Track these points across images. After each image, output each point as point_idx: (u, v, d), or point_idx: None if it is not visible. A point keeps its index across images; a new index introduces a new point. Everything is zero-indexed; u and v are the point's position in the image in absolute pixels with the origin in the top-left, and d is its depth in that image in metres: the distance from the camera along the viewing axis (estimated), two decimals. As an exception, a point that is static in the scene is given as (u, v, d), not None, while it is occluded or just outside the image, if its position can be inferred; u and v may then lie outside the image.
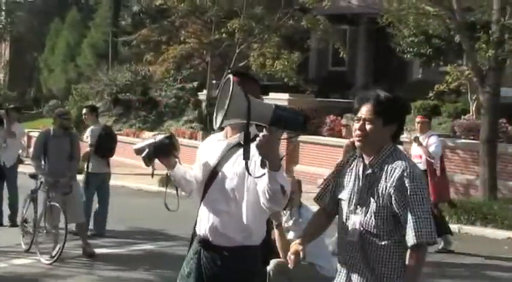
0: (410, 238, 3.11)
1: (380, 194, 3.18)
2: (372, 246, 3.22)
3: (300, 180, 5.92)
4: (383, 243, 3.20)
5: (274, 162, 2.96)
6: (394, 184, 3.15)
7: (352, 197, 3.29)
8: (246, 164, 2.98)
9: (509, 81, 14.08)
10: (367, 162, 3.27)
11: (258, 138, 2.91)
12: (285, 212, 5.57)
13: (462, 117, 14.87)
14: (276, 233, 5.18)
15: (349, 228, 3.26)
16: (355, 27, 21.80)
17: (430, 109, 16.14)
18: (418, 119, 9.57)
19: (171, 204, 3.57)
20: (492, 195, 12.00)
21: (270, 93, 16.92)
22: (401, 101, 3.41)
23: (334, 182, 3.41)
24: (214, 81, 19.34)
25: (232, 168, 3.39)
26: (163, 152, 3.52)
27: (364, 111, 3.23)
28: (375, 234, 3.21)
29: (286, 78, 17.72)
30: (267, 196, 3.06)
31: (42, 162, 8.33)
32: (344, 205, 3.33)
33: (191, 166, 3.72)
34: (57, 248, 7.84)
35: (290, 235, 5.36)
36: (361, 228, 3.22)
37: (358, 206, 3.25)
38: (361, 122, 3.23)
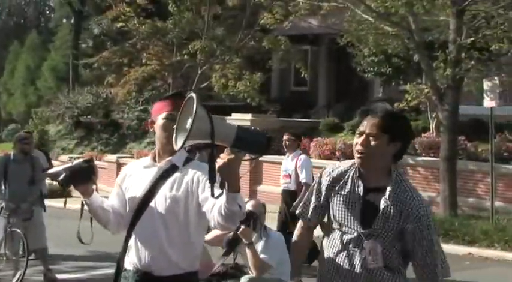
0: (438, 272, 3.04)
1: (389, 222, 3.01)
2: (379, 277, 3.06)
3: (265, 204, 5.89)
4: (390, 274, 3.07)
5: (234, 184, 2.89)
6: (408, 217, 2.99)
7: (352, 221, 3.08)
8: (212, 186, 2.86)
9: (467, 99, 14.35)
10: (367, 183, 3.06)
11: (219, 160, 2.84)
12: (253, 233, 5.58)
13: (422, 135, 15.08)
14: (248, 252, 5.17)
15: (357, 255, 3.06)
16: (316, 48, 22.03)
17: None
18: (285, 137, 9.22)
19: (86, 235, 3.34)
20: (453, 211, 12.15)
21: (232, 114, 16.96)
22: (407, 119, 3.26)
23: (319, 196, 3.20)
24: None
25: (170, 193, 3.23)
26: (81, 176, 3.26)
27: (369, 125, 3.00)
28: (384, 266, 3.06)
29: (248, 98, 17.78)
30: (224, 215, 2.97)
31: (2, 187, 8.20)
32: (339, 227, 3.13)
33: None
34: (17, 275, 7.70)
35: (261, 256, 5.33)
36: (379, 254, 3.03)
37: (362, 231, 3.05)
38: (364, 136, 3.01)
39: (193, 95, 2.85)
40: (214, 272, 5.43)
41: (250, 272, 5.38)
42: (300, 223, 3.35)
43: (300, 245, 3.38)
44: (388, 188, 3.02)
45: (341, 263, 3.12)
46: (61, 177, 3.26)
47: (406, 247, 3.07)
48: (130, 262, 3.29)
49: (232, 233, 5.17)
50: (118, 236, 3.44)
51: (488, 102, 11.92)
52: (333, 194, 3.15)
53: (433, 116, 15.00)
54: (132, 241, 3.28)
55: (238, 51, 18.77)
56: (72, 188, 3.37)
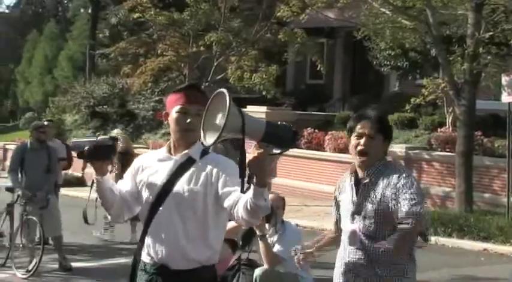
0: (402, 209, 3.26)
1: (378, 200, 3.38)
2: (374, 251, 3.37)
3: (284, 198, 5.88)
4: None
5: (263, 178, 2.90)
6: (391, 189, 3.35)
7: (349, 209, 3.49)
8: (242, 181, 2.89)
9: (484, 94, 14.25)
10: (361, 174, 3.47)
11: (248, 154, 2.88)
12: (268, 226, 5.59)
13: (439, 129, 15.01)
14: (260, 244, 5.20)
15: (349, 237, 3.46)
16: (333, 41, 21.94)
17: (407, 122, 16.28)
18: None
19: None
20: (468, 207, 12.09)
21: (247, 106, 16.96)
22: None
23: (337, 209, 3.68)
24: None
25: (187, 187, 3.21)
26: (103, 153, 3.25)
27: (367, 128, 3.46)
28: (374, 239, 3.37)
29: (264, 91, 17.74)
30: (250, 210, 2.97)
31: (19, 176, 8.26)
32: (344, 219, 3.55)
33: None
34: (33, 262, 7.77)
35: (275, 249, 5.37)
36: (361, 235, 3.40)
37: (356, 215, 3.44)
38: (365, 137, 3.45)
39: (224, 90, 2.88)
40: (229, 267, 5.45)
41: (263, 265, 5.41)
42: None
43: (326, 240, 3.80)
44: (366, 171, 3.44)
45: (343, 255, 3.51)
46: (86, 148, 3.24)
47: (391, 214, 3.34)
48: (147, 255, 3.27)
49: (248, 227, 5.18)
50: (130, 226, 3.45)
51: (506, 98, 11.84)
52: (340, 203, 3.63)
53: (450, 110, 14.91)
54: (149, 235, 3.26)
55: (255, 44, 18.73)
56: (87, 173, 3.36)
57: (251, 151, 2.88)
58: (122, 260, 8.89)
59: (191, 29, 18.45)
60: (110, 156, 3.29)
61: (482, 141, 13.81)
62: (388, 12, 13.18)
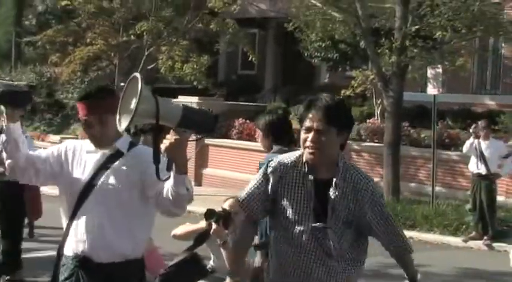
0: (406, 245, 3.27)
1: (343, 209, 3.04)
2: (335, 262, 3.08)
3: None
4: (349, 260, 3.12)
5: (181, 165, 2.87)
6: (357, 198, 3.04)
7: (304, 214, 3.05)
8: (157, 168, 2.84)
9: (411, 86, 14.58)
10: (318, 175, 3.05)
11: (165, 141, 2.82)
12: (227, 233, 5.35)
13: (367, 121, 15.28)
14: (223, 252, 4.92)
15: (312, 247, 3.06)
16: (264, 32, 22.02)
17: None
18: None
19: None
20: (395, 196, 12.38)
21: (179, 96, 16.85)
22: (347, 105, 3.26)
23: (266, 191, 3.14)
24: (122, 84, 19.06)
25: (114, 179, 3.19)
26: (18, 98, 3.12)
27: (316, 120, 2.98)
28: (340, 251, 3.08)
29: (195, 81, 17.67)
30: (172, 199, 2.95)
31: None
32: (292, 222, 3.08)
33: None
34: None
35: None
36: (318, 244, 3.05)
37: (315, 222, 3.04)
38: (313, 133, 2.99)
39: (137, 75, 2.80)
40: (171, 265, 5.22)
41: (212, 263, 5.26)
42: (243, 216, 3.24)
43: (244, 241, 3.35)
44: (334, 180, 3.05)
45: (295, 258, 3.10)
46: (1, 90, 3.09)
47: (366, 230, 3.12)
48: (70, 248, 3.23)
49: (204, 229, 4.99)
50: (60, 218, 3.37)
51: (431, 90, 12.15)
52: (281, 191, 3.10)
53: (378, 102, 15.20)
54: (73, 227, 3.22)
55: (186, 34, 18.62)
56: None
57: (168, 137, 2.81)
58: (50, 253, 8.70)
59: (121, 18, 18.19)
60: (24, 103, 3.19)
61: (409, 132, 14.14)
62: (318, 4, 13.31)
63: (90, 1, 17.86)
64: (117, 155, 3.24)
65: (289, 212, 3.08)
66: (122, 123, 2.82)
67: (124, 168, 3.21)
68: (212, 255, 5.28)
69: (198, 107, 2.99)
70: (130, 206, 3.18)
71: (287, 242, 3.11)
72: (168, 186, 2.95)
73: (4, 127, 3.14)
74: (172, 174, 2.88)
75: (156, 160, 2.81)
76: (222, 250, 4.98)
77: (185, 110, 2.81)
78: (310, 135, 3.00)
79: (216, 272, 5.19)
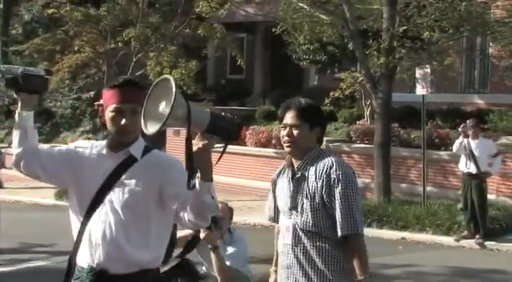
0: (338, 230, 3.27)
1: (312, 194, 3.30)
2: (314, 247, 3.30)
3: (232, 208, 5.49)
4: (324, 242, 3.30)
5: (208, 171, 2.81)
6: (323, 180, 3.29)
7: (286, 203, 3.41)
8: (190, 176, 2.73)
9: (400, 87, 14.62)
10: (295, 166, 3.40)
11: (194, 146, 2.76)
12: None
13: (357, 122, 15.30)
14: (213, 257, 4.91)
15: (286, 233, 3.39)
16: (252, 36, 22.03)
17: (327, 115, 16.54)
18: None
19: None
20: (386, 197, 12.39)
21: (168, 102, 16.83)
22: (320, 107, 3.68)
23: (273, 197, 3.58)
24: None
25: (128, 186, 3.00)
26: (34, 83, 3.00)
27: (289, 117, 3.38)
28: (313, 234, 3.30)
29: (184, 86, 17.66)
30: (196, 209, 2.84)
31: None
32: (281, 213, 3.50)
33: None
34: None
35: (227, 262, 5.03)
36: (298, 231, 3.33)
37: (293, 210, 3.36)
38: (287, 128, 3.38)
39: (169, 77, 2.74)
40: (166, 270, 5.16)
41: (204, 270, 5.22)
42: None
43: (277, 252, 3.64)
44: (296, 166, 3.41)
45: (281, 249, 3.46)
46: (19, 71, 2.98)
47: (327, 207, 3.30)
48: (83, 259, 3.03)
49: (192, 236, 4.91)
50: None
51: (420, 90, 12.18)
52: (275, 190, 3.56)
53: (367, 103, 15.22)
54: (85, 237, 3.02)
55: (174, 39, 18.60)
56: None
57: (195, 143, 2.75)
58: (40, 264, 8.66)
59: (108, 25, 18.15)
60: (41, 89, 3.05)
61: (399, 132, 14.16)
62: (305, 7, 13.33)
63: (77, 9, 17.81)
64: (130, 160, 3.04)
65: (280, 203, 3.51)
66: (150, 126, 2.74)
67: (139, 175, 3.02)
68: (204, 261, 5.24)
69: (222, 113, 2.91)
70: (146, 214, 3.00)
71: (279, 236, 3.51)
72: (192, 196, 2.84)
73: (18, 114, 3.03)
74: (197, 181, 2.79)
75: (191, 169, 2.71)
76: (212, 255, 4.94)
77: (213, 116, 2.79)
78: (286, 131, 3.39)
79: (208, 278, 5.14)
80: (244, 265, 5.16)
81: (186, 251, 4.87)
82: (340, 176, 3.26)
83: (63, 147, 3.20)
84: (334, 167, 3.29)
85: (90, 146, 3.15)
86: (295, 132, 3.36)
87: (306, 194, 3.32)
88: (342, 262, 3.31)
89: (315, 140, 3.41)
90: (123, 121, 2.98)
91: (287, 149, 3.39)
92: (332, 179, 3.27)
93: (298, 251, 3.32)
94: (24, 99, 3.02)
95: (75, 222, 3.10)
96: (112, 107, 3.01)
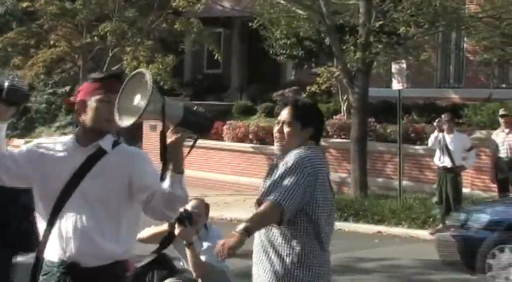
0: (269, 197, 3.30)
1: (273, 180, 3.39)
2: (271, 231, 3.39)
3: (208, 204, 5.44)
4: (282, 230, 3.36)
5: (179, 164, 2.86)
6: (280, 167, 3.37)
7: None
8: (164, 168, 2.80)
9: (376, 82, 14.70)
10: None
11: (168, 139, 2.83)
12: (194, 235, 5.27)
13: (334, 117, 15.36)
14: (188, 253, 4.90)
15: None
16: (229, 30, 22.00)
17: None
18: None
19: None
20: (363, 191, 12.47)
21: (145, 97, 16.75)
22: (317, 107, 3.76)
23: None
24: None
25: (98, 179, 3.02)
26: (16, 96, 2.98)
27: (284, 114, 3.47)
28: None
29: (161, 81, 17.60)
30: (166, 201, 2.90)
31: None
32: None
33: None
34: None
35: (202, 257, 5.00)
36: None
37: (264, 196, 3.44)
38: (280, 124, 3.47)
39: (145, 71, 2.78)
40: (143, 265, 5.14)
41: (181, 265, 5.21)
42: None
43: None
44: (274, 163, 3.50)
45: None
46: (5, 85, 2.95)
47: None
48: (53, 253, 3.04)
49: (167, 232, 4.92)
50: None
51: (396, 85, 12.25)
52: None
53: (344, 98, 15.29)
54: (55, 231, 3.03)
55: (150, 34, 18.52)
56: None
57: (168, 136, 2.81)
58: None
59: (84, 19, 18.02)
60: (22, 102, 3.08)
61: (375, 127, 14.25)
62: (282, 1, 13.35)
63: (52, 2, 17.65)
64: (100, 153, 3.06)
65: None
66: (125, 119, 2.78)
67: (108, 168, 3.04)
68: (180, 256, 5.24)
69: (195, 107, 2.98)
70: (116, 207, 3.03)
71: None
72: (162, 188, 2.88)
73: None
74: (169, 173, 2.85)
75: (165, 160, 2.79)
76: (187, 251, 4.95)
77: (186, 110, 2.85)
78: (278, 127, 3.48)
79: (185, 272, 5.15)
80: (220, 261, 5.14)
81: (162, 247, 4.92)
82: (288, 160, 3.33)
83: (24, 147, 3.20)
84: (291, 155, 3.36)
85: (54, 142, 3.17)
86: (286, 129, 3.44)
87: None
88: (296, 247, 3.35)
89: (307, 138, 3.47)
90: (111, 112, 2.99)
91: (275, 144, 3.49)
92: (280, 165, 3.36)
93: (262, 233, 3.43)
94: (2, 111, 3.03)
95: (41, 218, 3.11)
96: (100, 96, 3.04)
